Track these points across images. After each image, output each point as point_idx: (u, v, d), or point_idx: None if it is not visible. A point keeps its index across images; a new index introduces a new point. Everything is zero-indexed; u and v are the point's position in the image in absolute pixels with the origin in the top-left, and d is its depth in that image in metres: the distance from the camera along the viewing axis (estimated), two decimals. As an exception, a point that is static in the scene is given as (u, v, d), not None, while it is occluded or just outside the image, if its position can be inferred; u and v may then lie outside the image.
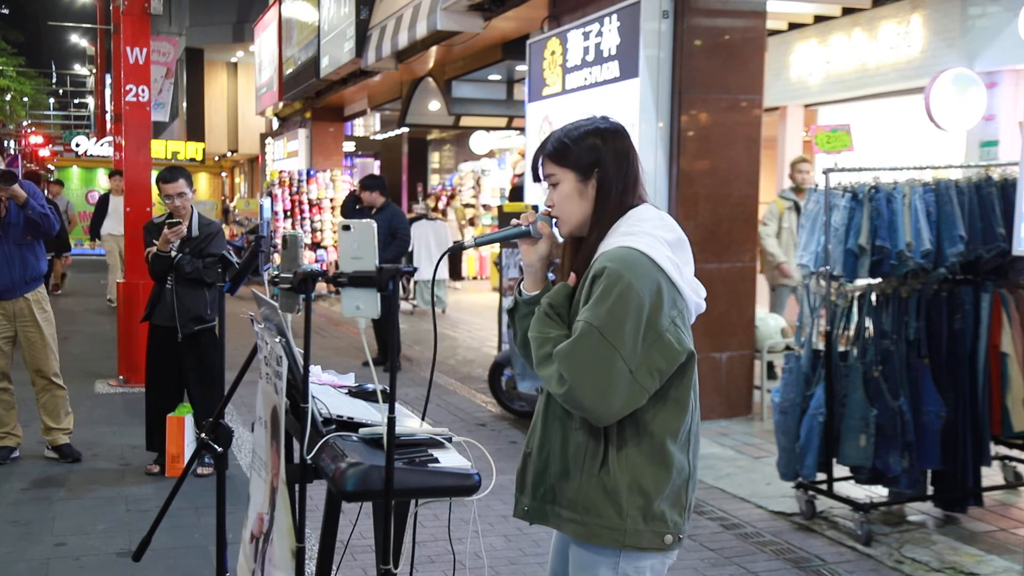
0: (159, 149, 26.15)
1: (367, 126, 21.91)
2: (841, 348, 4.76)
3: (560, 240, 2.25)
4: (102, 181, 27.17)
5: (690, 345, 2.12)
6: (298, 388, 2.38)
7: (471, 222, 18.24)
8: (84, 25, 35.84)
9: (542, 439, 2.23)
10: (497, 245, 5.63)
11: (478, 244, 2.29)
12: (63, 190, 17.46)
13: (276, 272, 2.45)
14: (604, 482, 2.12)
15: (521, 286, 2.28)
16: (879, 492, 4.99)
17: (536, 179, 2.28)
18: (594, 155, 2.19)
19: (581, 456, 2.15)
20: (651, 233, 2.14)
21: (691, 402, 2.17)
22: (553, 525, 2.23)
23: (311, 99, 18.23)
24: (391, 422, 2.16)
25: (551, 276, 2.31)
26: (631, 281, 2.03)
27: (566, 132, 2.23)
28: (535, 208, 2.32)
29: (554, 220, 2.23)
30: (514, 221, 2.24)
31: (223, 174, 36.49)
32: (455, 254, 13.63)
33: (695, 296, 2.16)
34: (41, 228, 5.59)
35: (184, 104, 30.43)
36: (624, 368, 2.02)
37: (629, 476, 2.11)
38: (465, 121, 15.97)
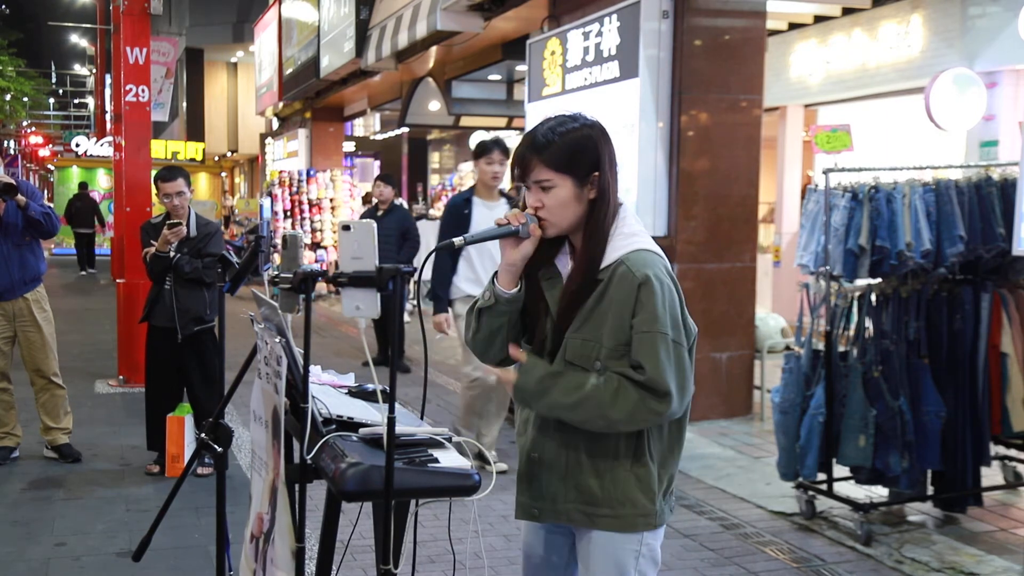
0: (159, 149, 26.14)
1: (367, 126, 21.90)
2: (841, 348, 4.76)
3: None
4: (102, 181, 27.16)
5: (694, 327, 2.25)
6: (298, 388, 2.38)
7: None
8: (84, 25, 35.83)
9: (559, 444, 2.24)
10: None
11: (468, 243, 2.25)
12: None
13: (276, 272, 2.45)
14: (638, 473, 2.21)
15: (497, 283, 2.25)
16: (879, 492, 4.99)
17: (522, 179, 2.21)
18: (594, 162, 2.19)
19: (616, 453, 2.20)
20: (644, 231, 2.26)
21: None
22: (574, 522, 2.26)
23: (311, 99, 18.23)
24: (391, 422, 2.16)
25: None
26: (665, 282, 2.16)
27: (560, 137, 2.18)
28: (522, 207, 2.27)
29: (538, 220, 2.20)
30: (500, 220, 2.22)
31: (223, 174, 36.48)
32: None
33: None
34: (42, 228, 5.60)
35: (184, 104, 30.44)
36: (688, 358, 2.17)
37: (658, 464, 2.24)
38: (465, 121, 15.95)
